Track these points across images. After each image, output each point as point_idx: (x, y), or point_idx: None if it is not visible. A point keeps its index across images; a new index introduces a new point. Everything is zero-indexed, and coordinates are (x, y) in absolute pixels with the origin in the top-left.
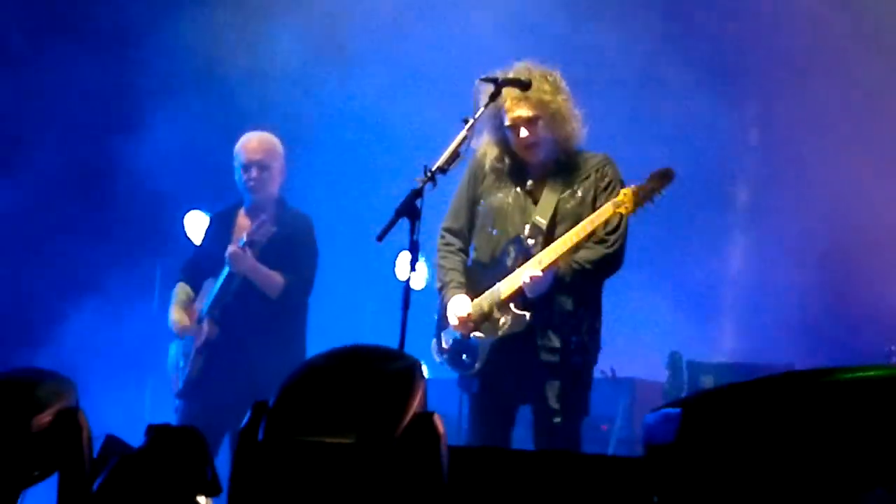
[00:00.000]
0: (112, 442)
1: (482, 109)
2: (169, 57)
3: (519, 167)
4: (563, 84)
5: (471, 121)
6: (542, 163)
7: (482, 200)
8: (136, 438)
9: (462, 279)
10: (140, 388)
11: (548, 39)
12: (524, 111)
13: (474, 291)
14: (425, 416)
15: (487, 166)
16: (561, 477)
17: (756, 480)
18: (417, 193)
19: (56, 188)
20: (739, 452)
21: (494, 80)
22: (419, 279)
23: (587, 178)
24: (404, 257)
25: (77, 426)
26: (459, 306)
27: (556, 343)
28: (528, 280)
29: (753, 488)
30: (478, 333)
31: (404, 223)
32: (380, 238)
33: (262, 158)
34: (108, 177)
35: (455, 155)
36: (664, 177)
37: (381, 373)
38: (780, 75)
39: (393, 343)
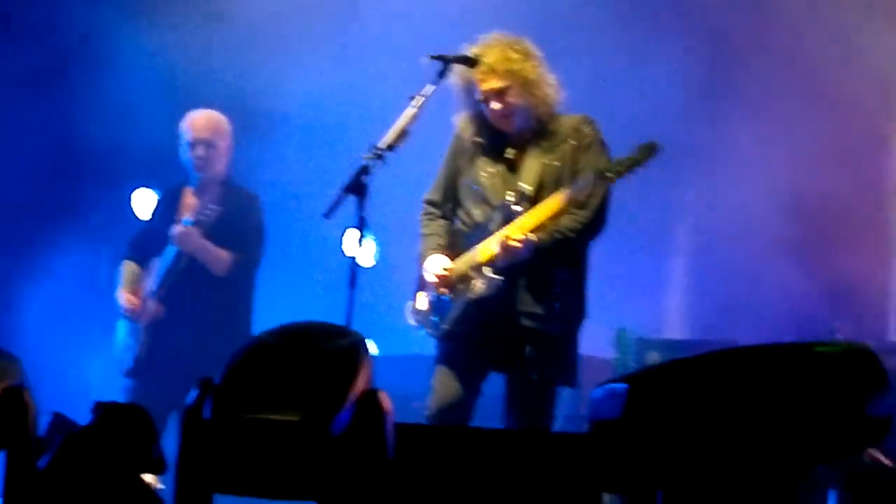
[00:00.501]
0: (59, 420)
1: (432, 87)
2: (118, 34)
3: (498, 138)
4: (533, 50)
5: (418, 98)
6: (520, 131)
7: (464, 174)
8: (82, 416)
9: (442, 241)
10: (86, 366)
11: (512, 10)
12: (493, 83)
13: (458, 256)
14: (370, 393)
15: (467, 140)
16: (507, 453)
17: (701, 455)
18: (364, 170)
19: (4, 167)
20: (685, 427)
21: (442, 58)
22: (366, 256)
23: (566, 140)
24: (352, 234)
25: (23, 404)
26: (436, 264)
27: (538, 309)
28: (500, 249)
29: (698, 463)
30: (447, 292)
31: (352, 200)
32: (327, 215)
33: (209, 137)
34: (55, 154)
35: (403, 133)
36: (651, 150)
37: (327, 350)
38: (741, 42)
39: (340, 320)
